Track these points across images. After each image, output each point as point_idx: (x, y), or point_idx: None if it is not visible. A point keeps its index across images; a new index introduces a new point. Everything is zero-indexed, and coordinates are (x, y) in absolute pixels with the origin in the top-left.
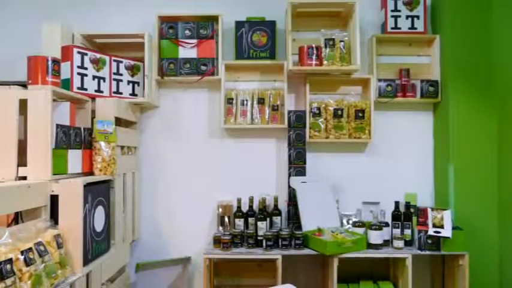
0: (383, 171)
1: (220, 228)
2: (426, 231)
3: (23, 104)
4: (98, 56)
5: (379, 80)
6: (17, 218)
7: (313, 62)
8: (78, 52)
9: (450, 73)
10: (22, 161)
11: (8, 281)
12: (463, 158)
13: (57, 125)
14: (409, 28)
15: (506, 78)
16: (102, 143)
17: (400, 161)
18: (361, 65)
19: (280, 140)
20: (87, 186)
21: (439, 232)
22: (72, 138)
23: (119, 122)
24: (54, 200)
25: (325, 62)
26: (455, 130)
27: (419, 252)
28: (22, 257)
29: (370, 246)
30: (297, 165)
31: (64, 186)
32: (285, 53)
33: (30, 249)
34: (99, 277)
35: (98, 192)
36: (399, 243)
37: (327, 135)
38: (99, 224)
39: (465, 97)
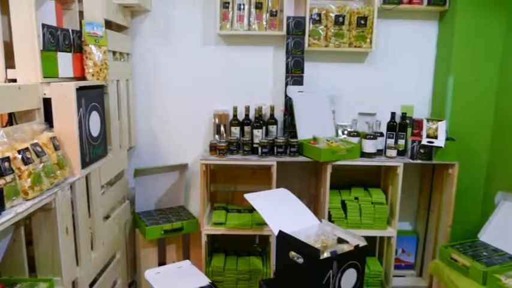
0: (381, 82)
1: (216, 136)
2: (419, 142)
3: (5, 4)
4: None
5: None
6: (11, 121)
7: None
8: None
9: None
10: (10, 64)
11: (8, 178)
12: (464, 70)
13: (43, 25)
14: None
15: None
16: (93, 47)
17: (399, 73)
18: None
19: (278, 48)
20: (80, 90)
21: (432, 142)
22: (61, 40)
23: (109, 25)
24: (47, 103)
25: None
26: (459, 41)
27: (410, 161)
28: (19, 156)
29: (363, 155)
30: (294, 74)
31: (56, 89)
32: None
33: (27, 149)
34: (98, 180)
35: (92, 98)
36: (392, 153)
37: (327, 44)
38: (94, 129)
39: (474, 6)
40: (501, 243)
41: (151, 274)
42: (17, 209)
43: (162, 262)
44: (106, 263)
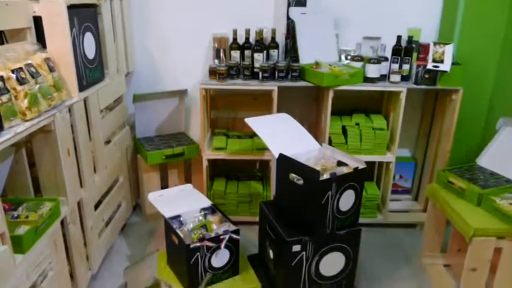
0: (388, 3)
1: (216, 60)
2: (425, 66)
3: None
4: None
5: None
6: (2, 41)
7: None
8: None
9: None
10: None
11: (4, 98)
12: None
13: None
14: None
15: None
16: None
17: None
18: None
19: None
20: (72, 9)
21: (437, 67)
22: None
23: None
24: (38, 23)
25: None
26: None
27: (414, 86)
28: (14, 75)
29: (366, 80)
30: None
31: (46, 7)
32: None
33: (20, 69)
34: (97, 104)
35: (85, 17)
36: (396, 78)
37: None
38: (90, 51)
39: None
40: (498, 167)
41: (154, 196)
42: (16, 129)
43: (164, 187)
44: (109, 186)
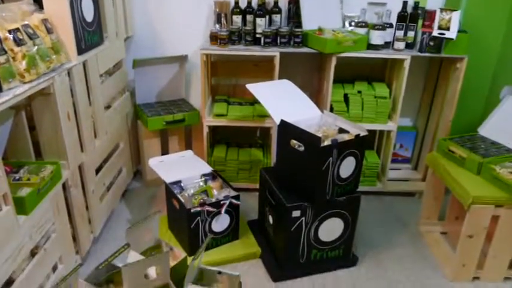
0: None
1: (217, 25)
2: (430, 33)
3: None
4: None
5: None
6: None
7: None
8: None
9: None
10: None
11: (1, 59)
12: None
13: None
14: None
15: None
16: None
17: None
18: None
19: None
20: None
21: (443, 34)
22: None
23: None
24: None
25: None
26: None
27: (419, 54)
28: (11, 36)
29: (370, 47)
30: None
31: None
32: None
33: (17, 29)
34: (96, 68)
35: None
36: (400, 45)
37: None
38: (88, 14)
39: None
40: (500, 137)
41: (155, 162)
42: (15, 91)
43: (164, 153)
44: (110, 152)
